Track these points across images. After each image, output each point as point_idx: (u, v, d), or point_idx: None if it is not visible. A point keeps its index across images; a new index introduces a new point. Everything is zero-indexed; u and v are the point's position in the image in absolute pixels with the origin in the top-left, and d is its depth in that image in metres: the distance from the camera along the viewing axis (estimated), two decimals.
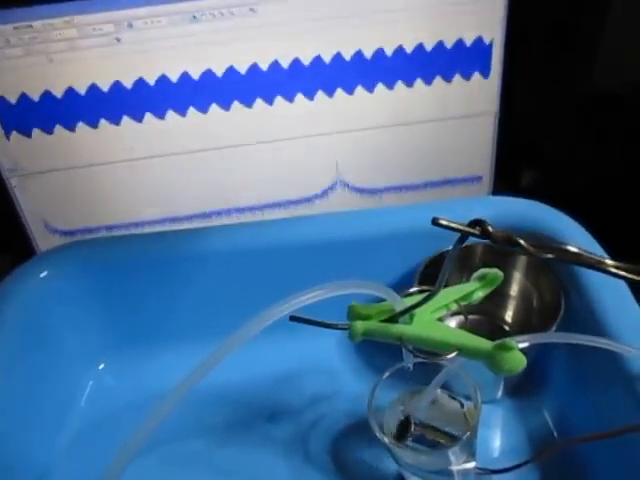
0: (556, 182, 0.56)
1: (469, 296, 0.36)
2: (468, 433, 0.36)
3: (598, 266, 0.22)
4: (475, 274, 0.37)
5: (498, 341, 0.30)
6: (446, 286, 0.35)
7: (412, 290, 0.35)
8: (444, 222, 0.23)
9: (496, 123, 0.56)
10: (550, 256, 0.23)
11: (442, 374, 0.39)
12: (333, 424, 0.48)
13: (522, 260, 0.48)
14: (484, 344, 0.30)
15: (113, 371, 0.54)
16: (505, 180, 0.57)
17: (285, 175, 0.59)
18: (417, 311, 0.32)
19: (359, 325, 0.32)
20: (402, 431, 0.40)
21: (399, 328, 0.31)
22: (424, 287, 0.34)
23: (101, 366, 0.55)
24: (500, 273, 0.36)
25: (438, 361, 0.40)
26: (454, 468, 0.39)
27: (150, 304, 0.53)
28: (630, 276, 0.21)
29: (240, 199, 0.60)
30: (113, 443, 0.41)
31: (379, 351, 0.44)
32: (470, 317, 0.49)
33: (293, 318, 0.31)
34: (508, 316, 0.50)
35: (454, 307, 0.35)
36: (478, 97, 0.55)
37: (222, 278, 0.52)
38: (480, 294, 0.36)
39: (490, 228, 0.23)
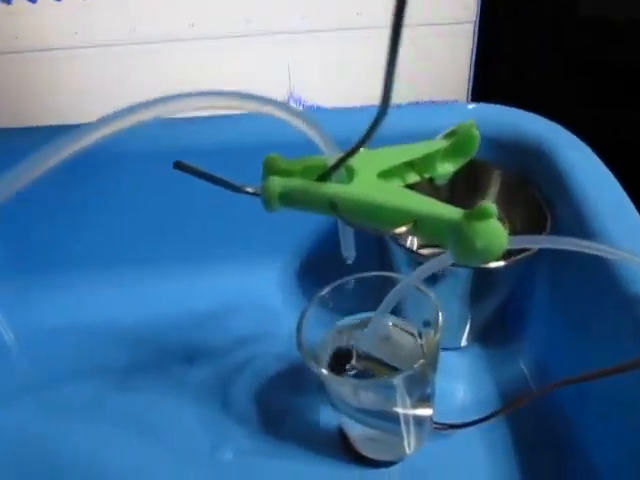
0: (537, 99, 0.48)
1: (432, 163, 0.27)
2: (421, 361, 0.27)
3: None
4: (443, 132, 0.28)
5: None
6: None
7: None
8: None
9: (475, 34, 0.48)
10: None
11: (395, 291, 0.30)
12: (263, 368, 0.39)
13: (495, 178, 0.40)
14: (451, 212, 0.21)
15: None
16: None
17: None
18: (358, 168, 0.23)
19: (276, 183, 0.23)
20: (341, 362, 0.32)
21: (332, 189, 0.23)
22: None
23: None
24: (476, 132, 0.27)
25: (393, 276, 0.32)
26: (401, 410, 0.30)
27: (47, 221, 0.43)
28: None
29: None
30: None
31: (339, 299, 0.35)
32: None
33: (178, 165, 0.22)
34: None
35: (412, 178, 0.26)
36: (456, 2, 0.47)
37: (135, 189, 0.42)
38: (449, 168, 0.27)
39: None
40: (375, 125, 0.20)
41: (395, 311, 0.33)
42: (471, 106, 0.42)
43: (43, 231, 0.43)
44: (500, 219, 0.21)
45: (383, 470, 0.34)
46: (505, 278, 0.37)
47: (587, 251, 0.28)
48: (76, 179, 0.41)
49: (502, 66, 0.49)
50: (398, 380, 0.27)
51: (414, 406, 0.31)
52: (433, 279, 0.32)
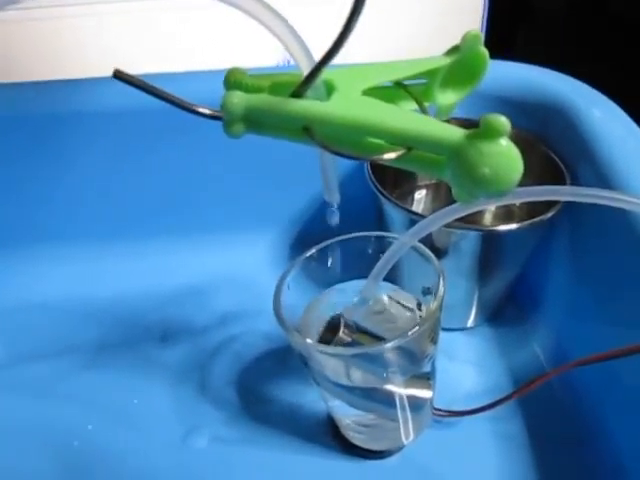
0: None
1: (430, 88, 0.22)
2: (416, 328, 0.23)
3: None
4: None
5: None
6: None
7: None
8: None
9: None
10: None
11: (390, 252, 0.26)
12: (246, 349, 0.36)
13: None
14: (451, 132, 0.17)
15: None
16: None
17: None
18: (340, 85, 0.19)
19: (239, 99, 0.19)
20: (327, 335, 0.27)
21: (306, 106, 0.19)
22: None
23: None
24: (482, 49, 0.22)
25: (389, 237, 0.28)
26: (395, 389, 0.26)
27: (11, 193, 0.39)
28: None
29: None
30: None
31: (326, 264, 0.31)
32: None
33: (117, 74, 0.18)
34: (490, 212, 0.37)
35: (407, 104, 0.22)
36: None
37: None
38: (451, 97, 0.23)
39: None
40: (352, 19, 0.16)
41: (392, 279, 0.29)
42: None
43: (8, 204, 0.40)
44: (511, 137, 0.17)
45: (377, 462, 0.30)
46: (517, 247, 0.32)
47: (614, 204, 0.24)
48: (40, 148, 0.38)
49: (515, 26, 0.45)
50: (389, 349, 0.23)
51: (410, 385, 0.27)
52: (435, 253, 0.28)
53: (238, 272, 0.40)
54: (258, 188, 0.40)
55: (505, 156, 0.17)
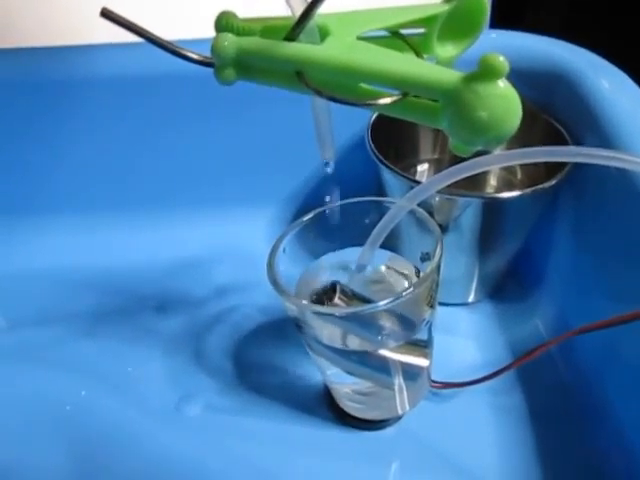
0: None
1: (429, 39, 0.22)
2: (410, 289, 0.23)
3: None
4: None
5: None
6: None
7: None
8: None
9: None
10: None
11: (387, 217, 0.26)
12: (242, 320, 0.35)
13: None
14: (447, 74, 0.17)
15: None
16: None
17: None
18: (334, 30, 0.19)
19: (229, 42, 0.18)
20: (323, 301, 0.27)
21: (299, 49, 0.18)
22: None
23: None
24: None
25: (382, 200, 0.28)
26: (389, 355, 0.26)
27: (13, 165, 0.39)
28: None
29: None
30: None
31: (323, 229, 0.30)
32: None
33: (104, 12, 0.18)
34: (490, 186, 0.37)
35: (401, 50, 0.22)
36: None
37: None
38: (451, 50, 0.22)
39: None
40: None
41: (391, 246, 0.28)
42: (494, 34, 0.37)
43: (11, 173, 0.39)
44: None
45: (374, 433, 0.30)
46: (519, 217, 0.32)
47: (620, 165, 0.23)
48: (44, 118, 0.37)
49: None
50: (383, 309, 0.23)
51: (406, 352, 0.26)
52: None
53: (236, 246, 0.39)
54: (258, 162, 0.40)
55: (503, 98, 0.17)
